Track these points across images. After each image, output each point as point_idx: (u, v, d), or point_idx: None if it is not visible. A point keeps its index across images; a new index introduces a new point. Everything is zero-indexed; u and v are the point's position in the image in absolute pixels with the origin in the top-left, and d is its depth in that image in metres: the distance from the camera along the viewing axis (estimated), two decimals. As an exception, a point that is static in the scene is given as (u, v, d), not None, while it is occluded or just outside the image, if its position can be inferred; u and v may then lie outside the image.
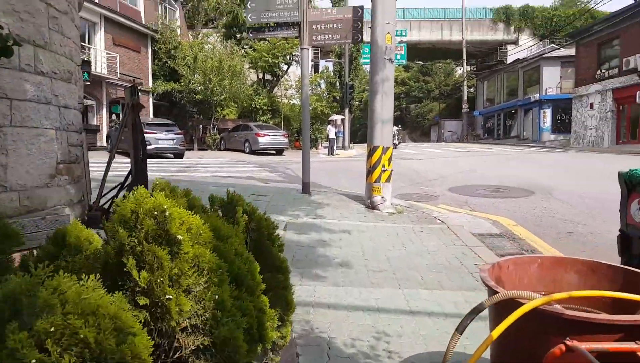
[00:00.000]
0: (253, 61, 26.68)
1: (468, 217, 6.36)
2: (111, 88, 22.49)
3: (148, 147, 16.51)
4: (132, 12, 24.07)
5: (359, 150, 27.81)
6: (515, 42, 38.39)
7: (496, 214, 6.48)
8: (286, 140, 22.64)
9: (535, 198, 7.48)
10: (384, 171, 6.68)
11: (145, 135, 14.74)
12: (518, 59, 33.93)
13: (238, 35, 28.99)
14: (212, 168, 11.69)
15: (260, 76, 28.97)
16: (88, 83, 18.81)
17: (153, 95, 25.69)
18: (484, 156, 17.99)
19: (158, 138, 17.36)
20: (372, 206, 6.66)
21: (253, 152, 21.66)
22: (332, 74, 29.24)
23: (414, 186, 8.99)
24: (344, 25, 7.23)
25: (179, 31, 27.26)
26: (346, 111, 26.08)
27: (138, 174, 4.21)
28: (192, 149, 25.30)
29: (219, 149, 25.00)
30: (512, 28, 39.27)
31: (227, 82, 23.57)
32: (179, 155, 18.28)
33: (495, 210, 6.77)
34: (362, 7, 7.15)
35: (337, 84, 28.74)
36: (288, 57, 26.39)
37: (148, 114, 25.49)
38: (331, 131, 23.05)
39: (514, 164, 13.93)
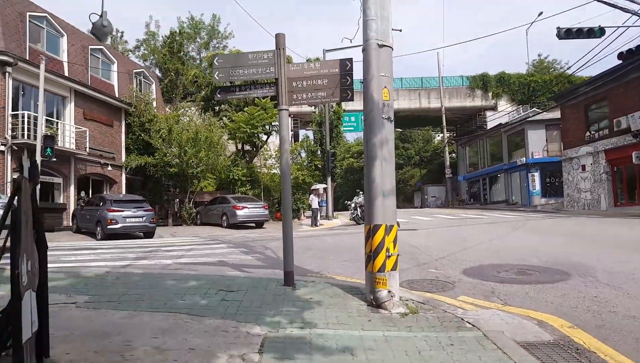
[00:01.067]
0: (231, 132, 25.89)
1: (503, 315, 4.83)
2: (80, 164, 21.05)
3: (114, 226, 14.69)
4: (105, 86, 23.29)
5: (344, 219, 26.37)
6: (494, 108, 39.03)
7: (537, 310, 4.97)
8: (266, 212, 21.19)
9: (575, 283, 6.03)
10: (389, 256, 5.20)
11: (113, 213, 13.18)
12: (500, 123, 34.11)
13: (216, 108, 28.48)
14: (178, 251, 10.03)
15: (240, 146, 28.09)
16: (54, 160, 17.39)
17: (126, 169, 24.28)
18: (483, 224, 16.74)
19: (126, 215, 15.72)
20: (376, 304, 5.09)
21: (231, 226, 20.05)
22: (313, 142, 28.56)
23: (421, 269, 7.47)
24: (330, 81, 6.08)
25: (154, 104, 26.52)
26: (329, 179, 25.03)
27: (15, 300, 2.57)
28: (167, 225, 23.53)
29: (195, 224, 23.30)
30: (490, 94, 40.16)
31: (204, 154, 22.44)
32: (148, 234, 16.57)
33: (534, 303, 5.27)
34: (351, 60, 6.06)
35: (318, 152, 27.99)
36: (267, 126, 25.69)
37: (121, 189, 23.94)
38: (314, 201, 21.76)
39: (520, 233, 12.64)
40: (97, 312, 4.77)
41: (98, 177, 22.85)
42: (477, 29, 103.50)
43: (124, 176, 24.28)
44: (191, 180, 23.97)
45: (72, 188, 20.50)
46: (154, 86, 28.19)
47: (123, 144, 24.34)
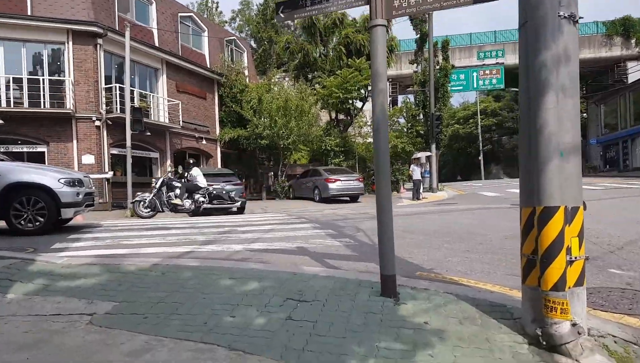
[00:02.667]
0: (324, 100, 24.13)
1: None
2: (175, 138, 20.89)
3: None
4: (196, 56, 22.81)
5: (451, 191, 23.46)
6: (638, 58, 32.22)
7: None
8: (361, 184, 19.19)
9: None
10: (572, 261, 2.89)
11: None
12: (649, 74, 27.94)
13: (309, 75, 26.89)
14: (256, 232, 8.49)
15: (333, 116, 26.30)
16: (148, 134, 17.12)
17: (220, 143, 23.88)
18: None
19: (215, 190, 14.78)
20: (548, 344, 2.86)
21: (324, 200, 18.49)
22: (414, 105, 25.59)
23: (594, 268, 4.92)
24: (453, -28, 3.74)
25: (246, 73, 25.69)
26: (433, 146, 22.22)
27: None
28: (261, 199, 22.84)
29: (288, 198, 22.23)
30: (634, 41, 33.21)
31: (294, 124, 21.02)
32: (240, 209, 15.56)
33: None
34: None
35: (420, 116, 25.10)
36: (363, 91, 23.42)
37: (216, 163, 23.65)
38: (416, 171, 19.23)
39: None
40: (106, 336, 3.21)
41: (194, 151, 22.72)
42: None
43: (219, 149, 23.94)
44: (283, 152, 22.83)
45: (168, 163, 20.43)
46: (245, 55, 27.36)
47: (217, 117, 23.93)
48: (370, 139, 24.66)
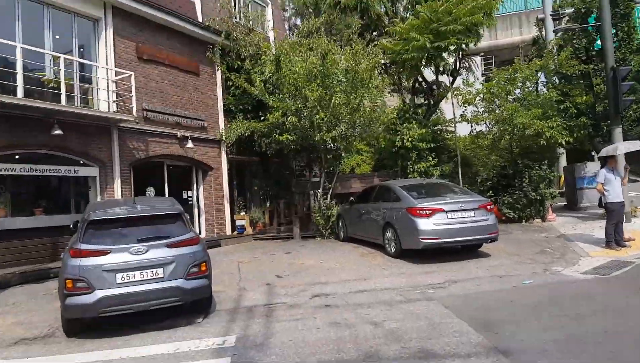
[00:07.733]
0: (387, 64, 13.90)
1: None
2: (132, 139, 11.90)
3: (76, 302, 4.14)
4: (176, 2, 13.71)
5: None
6: None
7: None
8: (489, 218, 8.63)
9: None
10: None
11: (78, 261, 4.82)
12: None
13: (374, 32, 16.90)
14: None
15: (409, 86, 15.87)
16: (59, 133, 8.18)
17: (226, 145, 14.53)
18: None
19: (119, 265, 5.25)
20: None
21: (402, 254, 8.36)
22: (572, 54, 13.81)
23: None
24: None
25: (272, 35, 16.27)
26: (617, 131, 11.23)
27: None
28: (291, 238, 13.23)
29: (338, 238, 12.24)
30: None
31: (340, 100, 11.12)
32: (195, 305, 5.86)
33: None
34: None
35: (578, 71, 13.74)
36: (473, 33, 12.39)
37: (220, 179, 14.34)
38: (613, 186, 8.50)
39: None
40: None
41: (177, 161, 13.53)
42: None
43: (224, 157, 14.58)
44: (325, 155, 12.98)
45: (117, 183, 11.35)
46: (269, 10, 17.85)
47: (220, 104, 14.65)
48: (480, 127, 13.93)
